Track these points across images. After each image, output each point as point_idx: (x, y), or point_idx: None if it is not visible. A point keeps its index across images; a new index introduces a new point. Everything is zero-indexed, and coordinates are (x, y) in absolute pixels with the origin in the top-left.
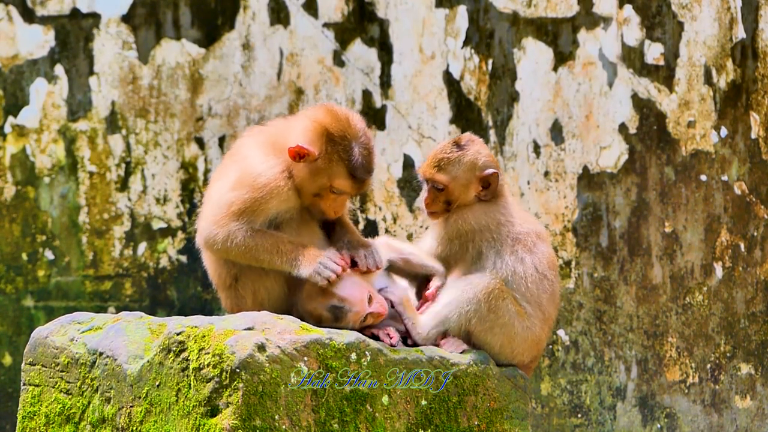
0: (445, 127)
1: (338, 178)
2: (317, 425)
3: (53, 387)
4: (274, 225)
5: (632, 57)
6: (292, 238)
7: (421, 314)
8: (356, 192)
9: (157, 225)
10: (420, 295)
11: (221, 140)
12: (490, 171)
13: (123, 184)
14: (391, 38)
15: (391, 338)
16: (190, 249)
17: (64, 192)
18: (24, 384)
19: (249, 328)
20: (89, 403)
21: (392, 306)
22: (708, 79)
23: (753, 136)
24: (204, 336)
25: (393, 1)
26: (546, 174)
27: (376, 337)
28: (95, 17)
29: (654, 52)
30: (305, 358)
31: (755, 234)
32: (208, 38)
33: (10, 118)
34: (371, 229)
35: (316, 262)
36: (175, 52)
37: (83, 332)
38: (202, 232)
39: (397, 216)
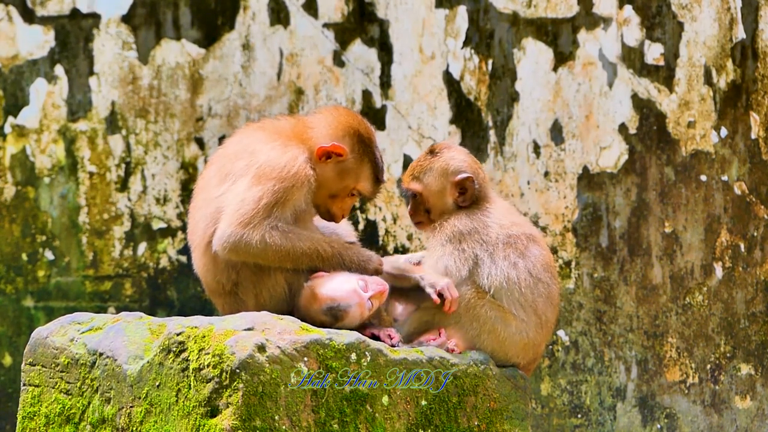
0: (445, 127)
1: (364, 180)
2: (317, 425)
3: (53, 387)
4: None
5: (632, 57)
6: (319, 234)
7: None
8: (374, 196)
9: (157, 225)
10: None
11: (221, 140)
12: (463, 175)
13: (123, 185)
14: (391, 38)
15: (391, 339)
16: (190, 249)
17: (64, 192)
18: (24, 384)
19: (249, 329)
20: (89, 403)
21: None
22: (708, 80)
23: (753, 136)
24: (204, 336)
25: (393, 1)
26: (546, 174)
27: (376, 337)
28: (95, 17)
29: (654, 53)
30: (305, 359)
31: (755, 234)
32: (208, 38)
33: (10, 119)
34: (371, 229)
35: (367, 256)
36: (175, 52)
37: (83, 332)
38: (227, 237)
39: (397, 216)
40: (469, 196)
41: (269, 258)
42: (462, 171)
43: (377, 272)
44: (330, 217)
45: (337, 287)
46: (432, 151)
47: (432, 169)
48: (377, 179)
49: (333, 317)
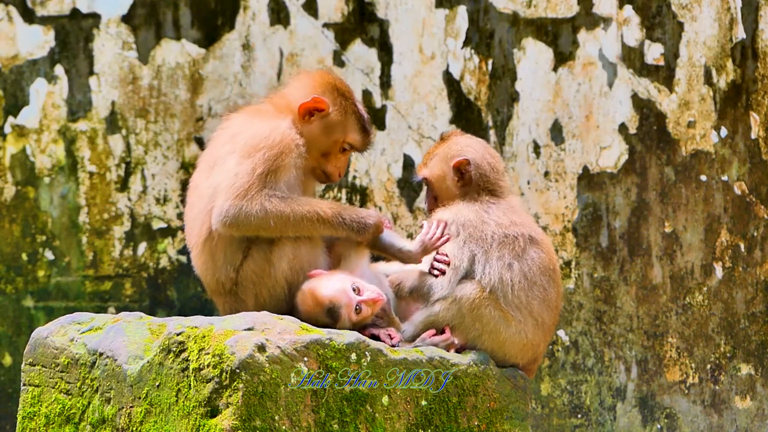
0: (445, 127)
1: (351, 131)
2: (317, 426)
3: (53, 387)
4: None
5: (632, 57)
6: (316, 199)
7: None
8: (365, 147)
9: (157, 225)
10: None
11: None
12: (459, 158)
13: (123, 185)
14: (391, 38)
15: (391, 339)
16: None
17: (64, 192)
18: (24, 384)
19: (249, 329)
20: (89, 403)
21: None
22: (708, 80)
23: (753, 136)
24: (204, 336)
25: (393, 1)
26: (546, 174)
27: (376, 337)
28: (95, 17)
29: (654, 53)
30: (305, 359)
31: (755, 234)
32: (208, 38)
33: (10, 119)
34: None
35: (366, 213)
36: (175, 52)
37: (83, 333)
38: (226, 211)
39: (397, 216)
40: (467, 179)
41: (270, 226)
42: (460, 155)
43: (378, 229)
44: (327, 177)
45: (330, 286)
46: (441, 138)
47: (436, 153)
48: (364, 129)
49: (333, 319)
